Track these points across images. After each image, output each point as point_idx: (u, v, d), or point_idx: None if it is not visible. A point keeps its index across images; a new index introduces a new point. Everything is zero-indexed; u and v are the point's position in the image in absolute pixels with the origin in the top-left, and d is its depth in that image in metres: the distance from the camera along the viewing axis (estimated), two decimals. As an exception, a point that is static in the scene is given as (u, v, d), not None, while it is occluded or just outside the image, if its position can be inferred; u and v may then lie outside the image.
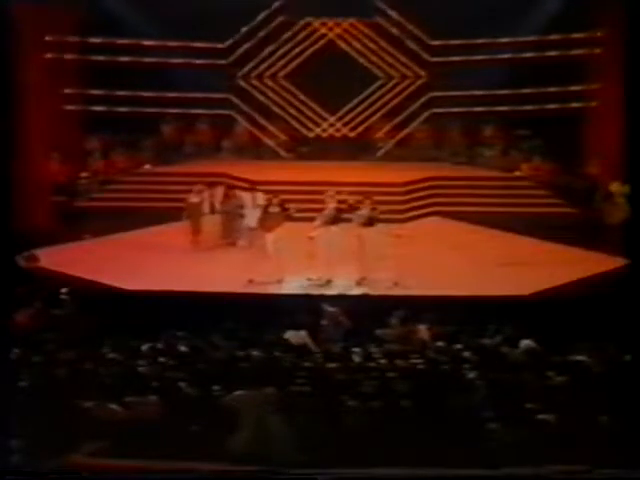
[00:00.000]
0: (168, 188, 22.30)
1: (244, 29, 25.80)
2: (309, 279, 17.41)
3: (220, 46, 25.72)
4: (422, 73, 25.96)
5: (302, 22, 26.03)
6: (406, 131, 26.26)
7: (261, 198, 18.91)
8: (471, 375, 10.61)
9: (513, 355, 12.08)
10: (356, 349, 12.25)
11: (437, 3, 24.19)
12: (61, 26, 23.26)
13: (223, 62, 25.89)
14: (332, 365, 11.23)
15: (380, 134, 26.34)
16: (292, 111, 26.37)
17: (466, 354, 11.86)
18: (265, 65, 26.23)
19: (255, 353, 11.77)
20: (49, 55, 22.95)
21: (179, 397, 9.99)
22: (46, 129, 22.12)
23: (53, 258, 18.56)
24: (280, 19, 25.92)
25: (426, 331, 14.07)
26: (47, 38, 22.87)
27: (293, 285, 17.33)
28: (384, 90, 26.17)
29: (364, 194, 18.01)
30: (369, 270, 17.28)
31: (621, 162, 20.05)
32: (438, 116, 26.01)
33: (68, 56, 23.72)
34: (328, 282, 17.33)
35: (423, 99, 25.99)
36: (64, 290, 15.79)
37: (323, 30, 26.15)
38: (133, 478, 8.25)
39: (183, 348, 12.23)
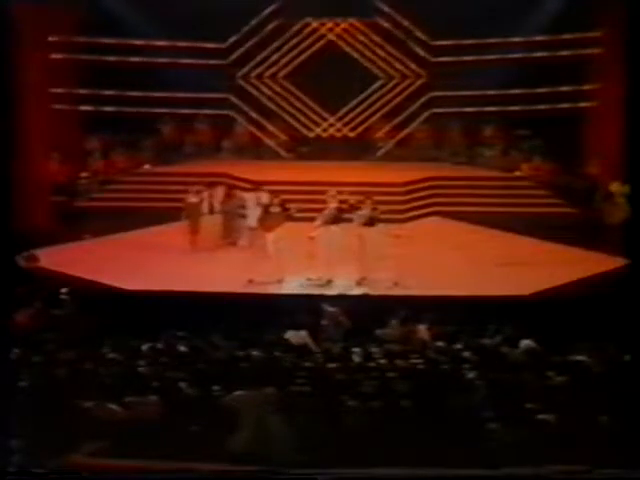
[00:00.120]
0: (168, 188, 22.30)
1: (244, 29, 25.80)
2: (309, 279, 17.41)
3: (220, 46, 25.73)
4: (422, 73, 25.97)
5: (302, 22, 26.05)
6: (406, 131, 26.27)
7: (265, 197, 18.84)
8: (471, 375, 10.61)
9: (513, 355, 12.08)
10: (356, 349, 12.24)
11: (437, 3, 24.20)
12: (61, 26, 23.28)
13: (223, 62, 25.89)
14: (332, 365, 11.23)
15: (380, 134, 26.35)
16: (292, 111, 26.38)
17: (466, 354, 11.86)
18: (265, 65, 26.24)
19: (255, 353, 11.77)
20: (49, 55, 22.95)
21: (179, 397, 9.99)
22: (46, 129, 22.14)
23: (53, 258, 18.56)
24: (280, 19, 25.92)
25: (426, 331, 14.07)
26: (47, 38, 22.89)
27: (293, 285, 17.33)
28: (384, 90, 26.18)
29: (365, 194, 18.00)
30: (369, 270, 17.28)
31: (621, 162, 20.08)
32: (438, 116, 26.02)
33: (68, 56, 23.72)
34: (328, 282, 17.33)
35: (423, 99, 26.00)
36: (64, 290, 15.79)
37: (323, 30, 26.16)
38: (133, 478, 8.25)
39: (183, 348, 12.23)
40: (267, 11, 25.78)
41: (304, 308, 15.13)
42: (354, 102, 26.18)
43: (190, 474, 8.24)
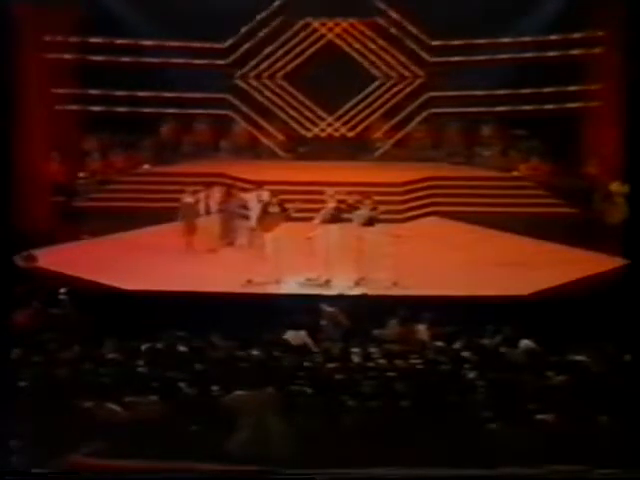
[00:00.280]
0: (167, 188, 22.28)
1: (244, 29, 25.80)
2: (308, 279, 17.41)
3: (219, 46, 25.72)
4: (420, 73, 25.97)
5: (301, 22, 26.05)
6: (404, 131, 26.27)
7: (266, 197, 18.81)
8: (471, 375, 10.62)
9: (513, 355, 12.08)
10: (355, 349, 12.24)
11: (436, 3, 24.23)
12: (61, 26, 23.26)
13: (222, 62, 25.88)
14: (331, 365, 11.23)
15: (378, 134, 26.36)
16: (291, 111, 26.38)
17: (466, 354, 11.86)
18: (264, 65, 26.23)
19: (255, 353, 11.78)
20: (49, 55, 22.94)
21: (179, 397, 9.99)
22: (46, 129, 22.14)
23: (52, 258, 18.55)
24: (279, 19, 25.92)
25: (425, 331, 14.08)
26: (47, 38, 22.87)
27: (292, 285, 17.32)
28: (382, 90, 26.18)
29: (364, 194, 17.99)
30: (368, 270, 17.27)
31: (621, 162, 20.10)
32: (436, 116, 26.03)
33: (68, 56, 23.71)
34: (327, 282, 17.33)
35: (421, 99, 26.00)
36: (63, 290, 15.78)
37: (322, 30, 26.16)
38: (133, 478, 8.24)
39: (183, 348, 12.22)
40: (267, 11, 25.77)
41: (303, 308, 15.12)
42: (352, 102, 26.18)
43: (190, 474, 8.24)
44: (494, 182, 23.75)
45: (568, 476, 8.08)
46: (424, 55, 25.79)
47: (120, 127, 24.93)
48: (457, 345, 12.53)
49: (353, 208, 17.70)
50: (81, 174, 23.98)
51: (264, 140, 26.45)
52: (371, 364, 11.45)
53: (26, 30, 20.98)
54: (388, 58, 26.04)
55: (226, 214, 20.09)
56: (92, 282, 17.35)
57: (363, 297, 16.85)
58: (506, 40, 24.36)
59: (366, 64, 26.09)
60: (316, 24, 26.12)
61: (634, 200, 19.15)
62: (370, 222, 17.34)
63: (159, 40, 24.94)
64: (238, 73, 26.17)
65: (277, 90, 26.35)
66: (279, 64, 26.21)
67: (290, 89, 26.32)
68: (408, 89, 26.10)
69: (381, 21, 25.87)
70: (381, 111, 26.27)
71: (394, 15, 25.64)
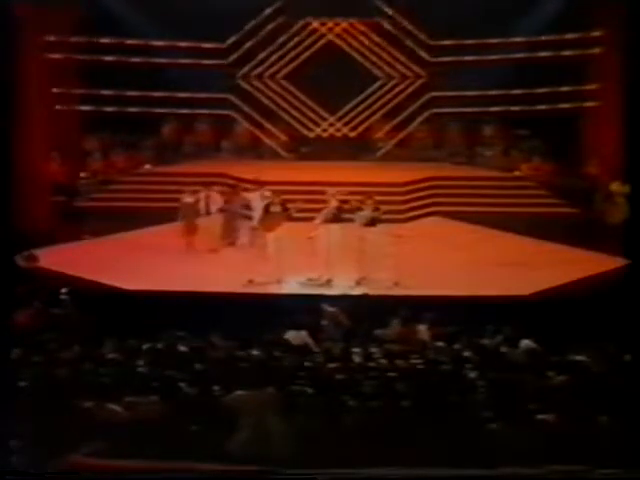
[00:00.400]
0: (168, 188, 22.26)
1: (244, 29, 25.80)
2: (309, 279, 17.40)
3: (220, 46, 25.72)
4: (422, 73, 25.98)
5: (302, 22, 26.07)
6: (406, 131, 26.28)
7: (269, 196, 18.76)
8: (471, 375, 10.61)
9: (513, 355, 12.08)
10: (356, 349, 12.24)
11: (437, 3, 24.24)
12: (61, 26, 23.26)
13: (223, 62, 25.89)
14: (332, 365, 11.23)
15: (380, 134, 26.37)
16: (292, 111, 26.38)
17: (466, 354, 11.86)
18: (265, 65, 26.25)
19: (255, 353, 11.78)
20: (49, 55, 22.95)
21: (179, 397, 9.99)
22: (46, 129, 22.15)
23: (53, 258, 18.55)
24: (280, 19, 25.93)
25: (426, 331, 14.06)
26: (47, 38, 22.87)
27: (293, 285, 17.31)
28: (384, 90, 26.20)
29: (367, 194, 17.96)
30: (369, 270, 17.26)
31: (621, 162, 20.10)
32: (438, 116, 26.03)
33: (68, 56, 23.73)
34: (328, 282, 17.32)
35: (423, 99, 26.01)
36: (64, 290, 15.78)
37: (323, 30, 26.17)
38: (133, 478, 8.24)
39: (183, 348, 12.22)
40: (267, 11, 25.79)
41: (304, 308, 15.11)
42: (354, 102, 26.19)
43: (190, 474, 8.23)
44: (496, 182, 23.75)
45: (568, 476, 8.07)
46: (426, 55, 25.79)
47: (121, 127, 24.97)
48: (458, 345, 12.51)
49: (356, 209, 17.66)
50: (82, 174, 24.00)
51: (266, 140, 26.46)
52: (372, 364, 11.44)
53: (26, 30, 21.01)
54: (389, 58, 26.06)
55: (229, 214, 20.06)
56: (93, 282, 17.35)
57: (364, 297, 16.84)
58: (506, 40, 24.36)
59: (367, 64, 26.09)
60: (316, 24, 26.13)
61: (635, 200, 19.14)
62: (372, 223, 17.32)
63: (160, 40, 24.96)
64: (239, 73, 26.18)
65: (279, 90, 26.36)
66: (281, 64, 26.22)
67: (292, 89, 26.33)
68: (410, 89, 26.11)
69: (382, 21, 25.86)
70: (383, 111, 26.28)
71: (395, 15, 25.63)
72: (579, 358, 11.39)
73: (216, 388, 10.10)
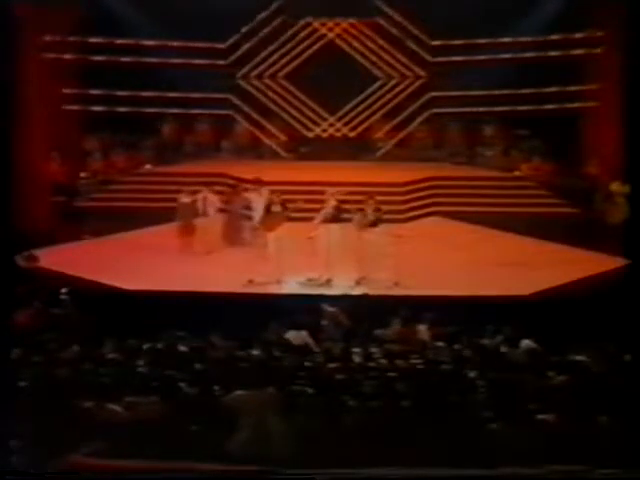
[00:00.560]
0: (168, 188, 22.23)
1: (244, 29, 25.80)
2: (309, 279, 17.40)
3: (220, 46, 25.72)
4: (422, 73, 25.96)
5: (302, 22, 26.05)
6: (406, 131, 26.27)
7: (269, 195, 18.74)
8: (471, 375, 10.61)
9: (514, 355, 12.08)
10: (356, 349, 12.24)
11: (437, 3, 24.23)
12: (61, 26, 23.25)
13: (223, 62, 25.89)
14: (332, 365, 11.23)
15: (380, 134, 26.36)
16: (292, 111, 26.38)
17: (466, 354, 11.86)
18: (265, 65, 26.23)
19: (255, 353, 11.78)
20: (49, 55, 22.94)
21: (179, 397, 9.99)
22: (46, 129, 22.15)
23: (53, 258, 18.55)
24: (280, 19, 25.93)
25: (426, 331, 14.07)
26: (47, 38, 22.87)
27: (293, 285, 17.31)
28: (384, 90, 26.18)
29: (368, 194, 17.95)
30: (369, 270, 17.26)
31: (621, 162, 20.09)
32: (438, 116, 26.03)
33: (68, 56, 23.73)
34: (328, 281, 17.32)
35: (423, 99, 26.00)
36: (64, 290, 15.78)
37: (323, 30, 26.16)
38: (133, 478, 8.24)
39: (183, 348, 12.23)
40: (267, 11, 25.78)
41: (304, 308, 15.11)
42: (354, 102, 26.18)
43: (190, 474, 8.24)
44: (496, 182, 23.74)
45: (568, 476, 8.08)
46: (425, 55, 25.78)
47: (121, 127, 24.96)
48: (458, 345, 12.51)
49: (357, 210, 17.63)
50: (82, 174, 23.99)
51: (266, 140, 26.46)
52: (372, 364, 11.45)
53: (26, 30, 21.01)
54: (389, 58, 26.04)
55: (231, 215, 20.04)
56: (93, 282, 17.35)
57: (364, 297, 16.84)
58: (507, 40, 24.36)
59: (367, 64, 26.08)
60: (316, 24, 26.12)
61: (635, 200, 19.14)
62: (374, 223, 17.32)
63: (160, 40, 24.93)
64: (239, 73, 26.18)
65: (279, 90, 26.35)
66: (280, 64, 26.20)
67: (292, 89, 26.32)
68: (410, 89, 26.10)
69: (382, 21, 25.86)
70: (383, 111, 26.26)
71: (395, 15, 25.63)
72: (579, 358, 11.40)
73: (216, 388, 10.10)
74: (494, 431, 9.23)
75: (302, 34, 26.09)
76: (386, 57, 26.05)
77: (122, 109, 24.72)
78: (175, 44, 25.17)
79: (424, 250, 19.29)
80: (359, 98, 26.16)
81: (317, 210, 17.82)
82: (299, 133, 26.52)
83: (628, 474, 8.12)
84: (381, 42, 25.95)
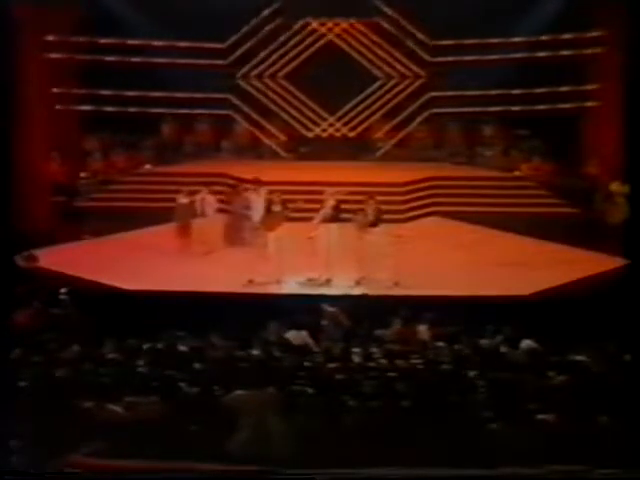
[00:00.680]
0: (168, 188, 22.20)
1: (244, 29, 25.80)
2: (309, 279, 17.40)
3: (220, 46, 25.71)
4: (422, 73, 25.95)
5: (301, 22, 26.03)
6: (406, 131, 26.26)
7: (268, 195, 18.70)
8: (471, 375, 10.61)
9: (513, 355, 12.08)
10: (356, 349, 12.24)
11: (437, 3, 24.23)
12: (61, 26, 23.24)
13: (223, 62, 25.88)
14: (332, 365, 11.23)
15: (380, 134, 26.36)
16: (292, 111, 26.37)
17: (466, 354, 11.86)
18: (265, 65, 26.22)
19: (255, 353, 11.78)
20: (49, 55, 22.94)
21: (179, 397, 9.99)
22: (46, 129, 22.14)
23: (53, 258, 18.55)
24: (279, 19, 25.92)
25: (426, 331, 14.06)
26: (47, 38, 22.87)
27: (293, 285, 17.31)
28: (384, 90, 26.17)
29: (368, 194, 17.95)
30: (369, 270, 17.26)
31: (621, 162, 20.09)
32: (438, 116, 26.02)
33: (68, 56, 23.72)
34: (328, 281, 17.32)
35: (423, 99, 25.99)
36: (64, 290, 15.78)
37: (322, 30, 26.15)
38: (133, 478, 8.25)
39: (183, 348, 12.22)
40: (267, 11, 25.78)
41: (304, 308, 15.11)
42: (354, 102, 26.17)
43: (190, 474, 8.24)
44: (496, 182, 23.74)
45: (568, 476, 8.08)
46: (425, 55, 25.78)
47: (121, 127, 24.93)
48: (458, 345, 12.51)
49: (358, 209, 17.62)
50: (82, 174, 23.98)
51: (265, 140, 26.45)
52: (372, 364, 11.45)
53: (26, 30, 21.00)
54: (389, 58, 26.03)
55: (233, 215, 20.01)
56: (93, 282, 17.34)
57: (364, 297, 16.84)
58: (506, 40, 24.34)
59: (367, 64, 26.08)
60: (316, 24, 26.11)
61: (635, 200, 19.13)
62: (374, 223, 17.32)
63: (159, 40, 24.92)
64: (239, 73, 26.17)
65: (279, 90, 26.34)
66: (280, 64, 26.19)
67: (291, 89, 26.32)
68: (409, 89, 26.09)
69: (381, 21, 25.86)
70: (382, 111, 26.25)
71: (394, 15, 25.63)
72: (579, 358, 11.40)
73: (216, 388, 10.10)
74: (494, 431, 9.23)
75: (302, 34, 26.08)
76: (385, 57, 26.05)
77: (122, 109, 24.70)
78: (175, 44, 25.15)
79: (424, 250, 19.28)
80: (359, 98, 26.15)
81: (317, 210, 17.81)
82: (299, 133, 26.51)
83: (628, 474, 8.12)
84: (380, 42, 25.94)
